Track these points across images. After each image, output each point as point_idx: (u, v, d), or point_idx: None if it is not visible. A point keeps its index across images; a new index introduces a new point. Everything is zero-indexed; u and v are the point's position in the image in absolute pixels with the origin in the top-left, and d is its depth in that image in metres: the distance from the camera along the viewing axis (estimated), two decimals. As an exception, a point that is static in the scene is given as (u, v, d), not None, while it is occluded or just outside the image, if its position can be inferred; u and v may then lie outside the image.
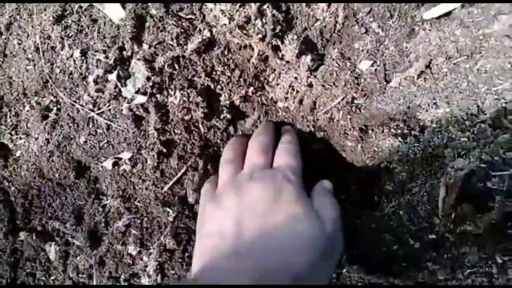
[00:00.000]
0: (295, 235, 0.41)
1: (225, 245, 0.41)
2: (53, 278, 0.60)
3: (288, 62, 0.54)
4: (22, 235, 0.62)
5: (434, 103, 0.44)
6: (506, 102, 0.40)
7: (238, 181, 0.48)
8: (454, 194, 0.40)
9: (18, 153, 0.64)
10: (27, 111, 0.63)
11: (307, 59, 0.51)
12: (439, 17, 0.47)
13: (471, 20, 0.44)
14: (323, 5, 0.55)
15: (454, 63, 0.44)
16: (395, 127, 0.47)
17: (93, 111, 0.57)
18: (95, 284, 0.55)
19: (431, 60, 0.45)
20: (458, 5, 0.45)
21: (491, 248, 0.44)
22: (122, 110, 0.55)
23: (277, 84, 0.56)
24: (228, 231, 0.42)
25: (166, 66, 0.54)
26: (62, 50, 0.59)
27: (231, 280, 0.36)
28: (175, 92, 0.54)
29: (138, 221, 0.54)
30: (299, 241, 0.41)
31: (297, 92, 0.55)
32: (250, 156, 0.51)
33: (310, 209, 0.44)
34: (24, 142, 0.63)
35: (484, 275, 0.44)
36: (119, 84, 0.54)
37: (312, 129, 0.55)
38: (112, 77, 0.54)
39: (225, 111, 0.57)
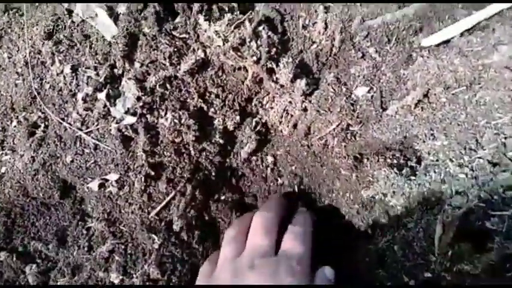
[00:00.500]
0: None
1: None
2: (31, 302, 0.57)
3: (282, 85, 0.52)
4: (2, 255, 0.59)
5: (432, 134, 0.43)
6: (505, 138, 0.39)
7: (237, 267, 0.44)
8: (451, 232, 0.38)
9: (2, 170, 0.61)
10: (14, 126, 0.61)
11: (302, 83, 0.50)
12: (438, 45, 0.46)
13: (470, 49, 0.43)
14: (320, 28, 0.54)
15: (453, 94, 0.43)
16: (391, 157, 0.46)
17: (81, 130, 0.55)
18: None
19: (429, 89, 0.44)
20: (457, 33, 0.44)
21: (490, 289, 0.43)
22: (110, 130, 0.53)
23: (272, 108, 0.55)
24: None
25: (158, 86, 0.52)
26: (52, 65, 0.58)
27: None
28: (166, 113, 0.52)
29: (122, 247, 0.52)
30: None
31: (291, 116, 0.53)
32: (253, 235, 0.47)
33: None
34: (10, 158, 0.61)
35: (481, 316, 0.42)
36: (108, 104, 0.52)
37: (306, 154, 0.54)
38: (101, 95, 0.52)
39: (217, 136, 0.55)
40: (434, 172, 0.40)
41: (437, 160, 0.41)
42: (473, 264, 0.40)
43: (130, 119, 0.51)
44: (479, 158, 0.39)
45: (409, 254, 0.44)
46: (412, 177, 0.42)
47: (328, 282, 0.44)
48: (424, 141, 0.43)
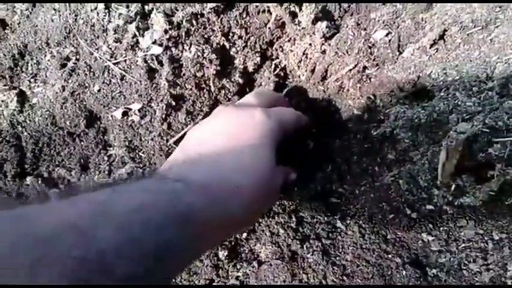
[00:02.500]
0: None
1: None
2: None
3: (303, 28, 0.54)
4: (29, 180, 0.63)
5: (445, 72, 0.44)
6: (516, 71, 0.40)
7: (221, 110, 0.45)
8: (454, 159, 0.39)
9: (34, 100, 0.65)
10: (48, 60, 0.65)
11: (323, 25, 0.52)
12: (458, -10, 0.47)
13: (490, -7, 0.44)
14: (344, -23, 0.55)
15: (468, 34, 0.44)
16: (403, 97, 0.47)
17: (109, 60, 0.58)
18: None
19: (446, 30, 0.45)
20: (478, -22, 0.45)
21: (489, 223, 0.44)
22: (137, 61, 0.56)
23: (291, 51, 0.57)
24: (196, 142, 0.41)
25: (184, 21, 0.55)
26: (87, 2, 0.61)
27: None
28: (190, 47, 0.55)
29: (140, 170, 0.55)
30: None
31: (310, 59, 0.55)
32: (245, 96, 0.50)
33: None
34: (42, 90, 0.65)
35: (479, 250, 0.44)
36: (137, 34, 0.55)
37: (321, 98, 0.56)
38: (131, 27, 0.56)
39: (237, 75, 0.57)
40: (443, 104, 0.41)
41: (447, 94, 0.43)
42: (474, 196, 0.42)
43: (156, 49, 0.54)
44: (489, 89, 0.40)
45: (413, 188, 0.45)
46: (422, 110, 0.43)
47: (288, 178, 0.45)
48: (436, 79, 0.45)
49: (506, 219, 0.43)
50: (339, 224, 0.49)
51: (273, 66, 0.58)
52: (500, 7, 0.43)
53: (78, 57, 0.62)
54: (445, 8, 0.46)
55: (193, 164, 0.37)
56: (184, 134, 0.55)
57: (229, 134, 0.40)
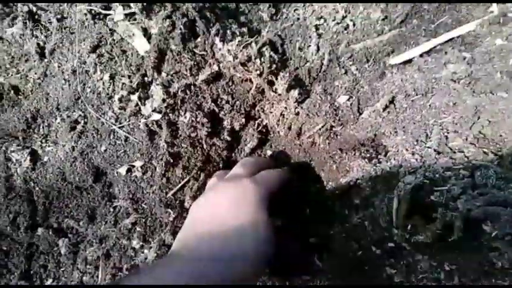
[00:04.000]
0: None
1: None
2: (62, 269, 0.68)
3: (280, 94, 0.65)
4: (40, 231, 0.70)
5: (395, 131, 0.54)
6: (448, 132, 0.50)
7: (216, 184, 0.56)
8: (405, 204, 0.48)
9: (45, 159, 0.74)
10: (58, 123, 0.74)
11: (295, 93, 0.62)
12: (403, 63, 0.57)
13: (426, 67, 0.54)
14: (313, 50, 0.66)
15: (412, 100, 0.54)
16: (365, 151, 0.57)
17: (115, 125, 0.67)
18: (100, 274, 0.63)
19: (394, 97, 0.56)
20: (417, 54, 0.56)
21: (441, 257, 0.52)
22: (139, 125, 0.66)
23: (271, 112, 0.67)
24: (201, 219, 0.51)
25: (179, 92, 0.65)
26: (94, 73, 0.71)
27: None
28: (185, 113, 0.64)
29: (143, 220, 0.63)
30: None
31: (287, 119, 0.65)
32: (234, 167, 0.59)
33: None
34: (52, 149, 0.73)
35: (433, 280, 0.52)
36: (139, 103, 0.65)
37: (298, 151, 0.65)
38: (134, 97, 0.65)
39: (225, 134, 0.67)
40: (394, 159, 0.51)
41: (397, 151, 0.52)
42: (426, 234, 0.50)
43: (156, 116, 0.64)
44: (428, 147, 0.49)
45: (376, 228, 0.54)
46: (378, 165, 0.52)
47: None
48: (388, 137, 0.54)
49: (454, 253, 0.52)
50: (316, 261, 0.57)
51: (256, 125, 0.68)
52: (435, 79, 0.54)
53: (86, 120, 0.71)
54: (393, 78, 0.57)
55: (201, 243, 0.47)
56: (181, 187, 0.64)
57: (228, 208, 0.49)
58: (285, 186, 0.58)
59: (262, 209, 0.50)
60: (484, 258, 0.51)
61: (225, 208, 0.49)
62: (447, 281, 0.51)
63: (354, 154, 0.57)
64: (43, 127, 0.75)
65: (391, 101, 0.56)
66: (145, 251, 0.61)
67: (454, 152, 0.48)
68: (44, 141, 0.74)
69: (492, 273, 0.51)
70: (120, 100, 0.67)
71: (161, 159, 0.63)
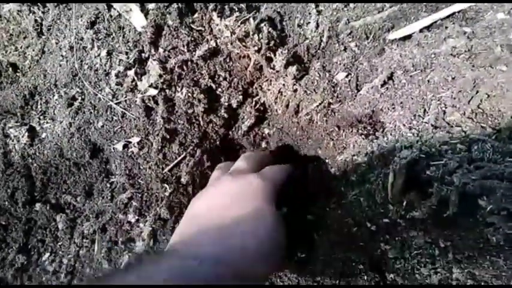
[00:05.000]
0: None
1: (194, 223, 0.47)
2: (59, 243, 0.68)
3: (278, 71, 0.64)
4: (38, 206, 0.71)
5: (393, 107, 0.53)
6: (445, 107, 0.49)
7: (219, 179, 0.53)
8: (400, 178, 0.48)
9: (43, 135, 0.74)
10: (56, 99, 0.74)
11: (293, 69, 0.61)
12: (402, 39, 0.56)
13: (426, 42, 0.54)
14: (312, 27, 0.65)
15: (410, 76, 0.53)
16: (362, 128, 0.56)
17: (112, 101, 0.67)
18: (96, 248, 0.63)
19: (393, 72, 0.55)
20: (417, 29, 0.55)
21: (435, 233, 0.52)
22: (136, 101, 0.65)
23: (269, 90, 0.66)
24: (202, 213, 0.48)
25: (176, 67, 0.64)
26: (91, 49, 0.71)
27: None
28: (182, 89, 0.64)
29: (139, 195, 0.63)
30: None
31: (284, 96, 0.64)
32: (236, 162, 0.57)
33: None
34: (50, 125, 0.73)
35: (428, 256, 0.52)
36: (136, 79, 0.64)
37: (295, 129, 0.65)
38: (131, 72, 0.65)
39: (222, 111, 0.66)
40: (391, 135, 0.50)
41: (394, 126, 0.52)
42: (421, 210, 0.50)
43: (152, 91, 0.63)
44: (425, 122, 0.49)
45: (372, 204, 0.54)
46: (375, 140, 0.52)
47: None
48: (386, 113, 0.54)
49: (448, 229, 0.51)
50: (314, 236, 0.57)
51: (253, 102, 0.67)
52: (434, 54, 0.53)
53: (83, 97, 0.71)
54: (392, 54, 0.56)
55: (204, 237, 0.43)
56: (178, 163, 0.63)
57: (231, 203, 0.47)
58: (289, 181, 0.58)
59: (269, 203, 0.48)
60: (479, 234, 0.51)
61: (231, 202, 0.47)
62: (441, 257, 0.51)
63: (351, 131, 0.57)
64: (41, 104, 0.75)
65: (390, 77, 0.55)
66: (141, 224, 0.61)
67: (452, 127, 0.47)
68: (41, 117, 0.75)
69: (487, 250, 0.51)
70: (117, 76, 0.66)
71: (157, 135, 0.63)
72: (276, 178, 0.53)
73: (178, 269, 0.37)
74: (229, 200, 0.48)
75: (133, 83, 0.65)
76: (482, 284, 0.49)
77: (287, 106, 0.65)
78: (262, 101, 0.68)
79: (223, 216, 0.46)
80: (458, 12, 0.55)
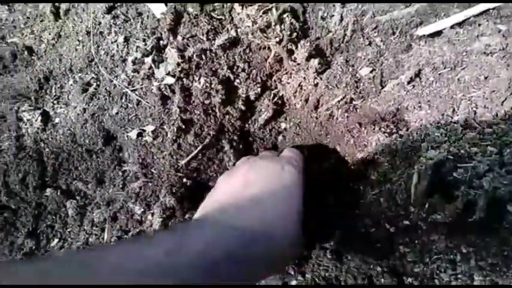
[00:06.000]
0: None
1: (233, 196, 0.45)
2: (69, 230, 0.67)
3: (299, 64, 0.62)
4: (48, 191, 0.70)
5: (419, 106, 0.51)
6: (476, 107, 0.47)
7: (249, 160, 0.53)
8: (425, 180, 0.46)
9: (57, 120, 0.73)
10: (71, 84, 0.72)
11: (315, 62, 0.59)
12: (431, 35, 0.54)
13: (457, 39, 0.51)
14: (336, 20, 0.63)
15: (439, 74, 0.51)
16: (385, 126, 0.54)
17: (127, 88, 0.66)
18: (106, 236, 0.62)
19: (421, 69, 0.53)
20: (448, 25, 0.52)
21: (458, 238, 0.50)
22: (152, 89, 0.64)
23: (288, 83, 0.64)
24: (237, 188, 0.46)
25: (195, 56, 0.63)
26: (108, 35, 0.70)
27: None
28: (199, 78, 0.62)
29: (151, 185, 0.62)
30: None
31: (304, 90, 0.62)
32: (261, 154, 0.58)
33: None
34: (64, 111, 0.72)
35: (449, 262, 0.50)
36: (153, 66, 0.63)
37: (314, 124, 0.63)
38: (148, 59, 0.63)
39: (240, 103, 0.65)
40: (417, 134, 0.48)
41: (420, 125, 0.49)
42: (444, 213, 0.48)
43: (169, 80, 0.62)
44: (454, 122, 0.47)
45: (392, 205, 0.52)
46: (399, 139, 0.50)
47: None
48: (412, 112, 0.52)
49: (472, 235, 0.49)
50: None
51: (271, 95, 0.65)
52: (466, 52, 0.50)
53: (98, 83, 0.70)
54: (421, 51, 0.54)
55: (237, 211, 0.42)
56: (196, 155, 0.62)
57: (265, 182, 0.46)
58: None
59: (298, 194, 0.46)
60: (504, 242, 0.49)
61: (261, 182, 0.46)
62: (463, 263, 0.49)
63: (374, 128, 0.55)
64: (55, 88, 0.74)
65: (417, 74, 0.53)
66: (149, 217, 0.60)
67: (483, 128, 0.45)
68: (55, 102, 0.74)
69: (511, 258, 0.48)
70: (133, 62, 0.65)
71: (173, 124, 0.62)
72: (300, 164, 0.52)
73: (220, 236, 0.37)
74: (262, 179, 0.46)
75: (150, 71, 0.64)
76: (505, 293, 0.47)
77: (306, 100, 0.63)
78: (280, 95, 0.66)
79: (254, 194, 0.44)
80: (493, 9, 0.53)
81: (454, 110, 0.48)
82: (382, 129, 0.54)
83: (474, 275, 0.48)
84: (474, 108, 0.47)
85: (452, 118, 0.47)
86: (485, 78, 0.48)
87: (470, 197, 0.44)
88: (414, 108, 0.52)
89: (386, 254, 0.51)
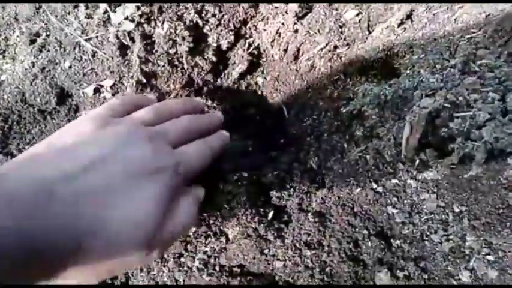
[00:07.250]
0: None
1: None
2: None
3: (276, 7, 0.55)
4: (-1, 157, 0.62)
5: (411, 50, 0.45)
6: (477, 49, 0.41)
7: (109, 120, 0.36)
8: (418, 133, 0.41)
9: (3, 77, 0.64)
10: (17, 36, 0.63)
11: (295, 5, 0.52)
12: (425, -29, 0.48)
13: (455, -27, 0.45)
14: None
15: (434, 14, 0.45)
16: (373, 75, 0.48)
17: (81, 37, 0.57)
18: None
19: (413, 10, 0.46)
20: (445, -41, 0.46)
21: (450, 196, 0.46)
22: (108, 37, 0.56)
23: (265, 30, 0.57)
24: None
25: (157, -2, 0.54)
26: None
27: None
28: (163, 24, 0.54)
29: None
30: None
31: (283, 38, 0.55)
32: (142, 110, 0.40)
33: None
34: (11, 66, 0.63)
35: (440, 222, 0.46)
36: (109, 10, 0.54)
37: (294, 77, 0.56)
38: (103, 3, 0.55)
39: (210, 53, 0.57)
40: (409, 81, 0.43)
41: (413, 72, 0.44)
42: (437, 170, 0.43)
43: (128, 25, 0.54)
44: (451, 67, 0.41)
45: (380, 163, 0.47)
46: (388, 88, 0.44)
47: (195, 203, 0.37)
48: (403, 57, 0.46)
49: (466, 193, 0.45)
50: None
51: (246, 45, 0.58)
52: (464, -12, 0.44)
53: (48, 33, 0.61)
54: (413, -12, 0.48)
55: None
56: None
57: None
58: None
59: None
60: (499, 199, 0.45)
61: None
62: (455, 223, 0.45)
63: (360, 78, 0.49)
64: (0, 41, 0.65)
65: (409, 16, 0.47)
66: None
67: (484, 72, 0.39)
68: (0, 57, 0.64)
69: (507, 216, 0.45)
70: (86, 6, 0.56)
71: (133, 77, 0.54)
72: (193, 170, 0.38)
73: None
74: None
75: (106, 15, 0.55)
76: (499, 252, 0.44)
77: (285, 50, 0.56)
78: (256, 44, 0.59)
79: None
80: None
81: (451, 53, 0.43)
82: (370, 78, 0.48)
83: (466, 235, 0.45)
84: (474, 51, 0.41)
85: (449, 62, 0.42)
86: (487, 16, 0.42)
87: (467, 150, 0.39)
88: (405, 53, 0.46)
89: (373, 215, 0.47)
